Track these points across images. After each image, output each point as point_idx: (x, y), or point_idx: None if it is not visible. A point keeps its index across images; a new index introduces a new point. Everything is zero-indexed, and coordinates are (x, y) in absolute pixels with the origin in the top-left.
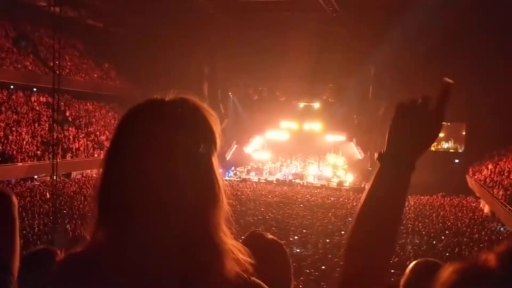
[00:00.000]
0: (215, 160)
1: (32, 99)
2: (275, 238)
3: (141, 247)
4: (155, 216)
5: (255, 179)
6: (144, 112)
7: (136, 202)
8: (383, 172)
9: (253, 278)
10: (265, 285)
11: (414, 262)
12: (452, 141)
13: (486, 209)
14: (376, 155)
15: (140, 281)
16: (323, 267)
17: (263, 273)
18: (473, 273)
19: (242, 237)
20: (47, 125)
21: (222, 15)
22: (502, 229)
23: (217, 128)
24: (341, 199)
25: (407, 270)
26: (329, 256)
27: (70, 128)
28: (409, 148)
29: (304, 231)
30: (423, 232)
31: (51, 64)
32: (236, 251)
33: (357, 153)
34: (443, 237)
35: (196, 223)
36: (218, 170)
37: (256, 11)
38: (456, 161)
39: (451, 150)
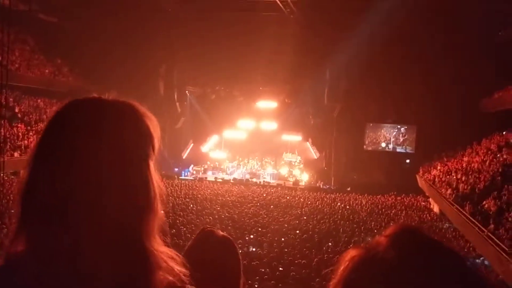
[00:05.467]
0: (151, 165)
1: None
2: (226, 234)
3: (64, 258)
4: (81, 222)
5: (212, 178)
6: (80, 110)
7: (61, 206)
8: None
9: (187, 286)
10: None
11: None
12: (408, 147)
13: (436, 208)
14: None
15: None
16: (279, 267)
17: (209, 271)
18: (367, 258)
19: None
20: None
21: (181, 14)
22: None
23: (156, 132)
24: (296, 198)
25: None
26: (285, 255)
27: (19, 125)
28: None
29: (260, 229)
30: (375, 231)
31: None
32: (169, 260)
33: (313, 153)
34: None
35: (125, 231)
36: (155, 176)
37: (215, 11)
38: (407, 161)
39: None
